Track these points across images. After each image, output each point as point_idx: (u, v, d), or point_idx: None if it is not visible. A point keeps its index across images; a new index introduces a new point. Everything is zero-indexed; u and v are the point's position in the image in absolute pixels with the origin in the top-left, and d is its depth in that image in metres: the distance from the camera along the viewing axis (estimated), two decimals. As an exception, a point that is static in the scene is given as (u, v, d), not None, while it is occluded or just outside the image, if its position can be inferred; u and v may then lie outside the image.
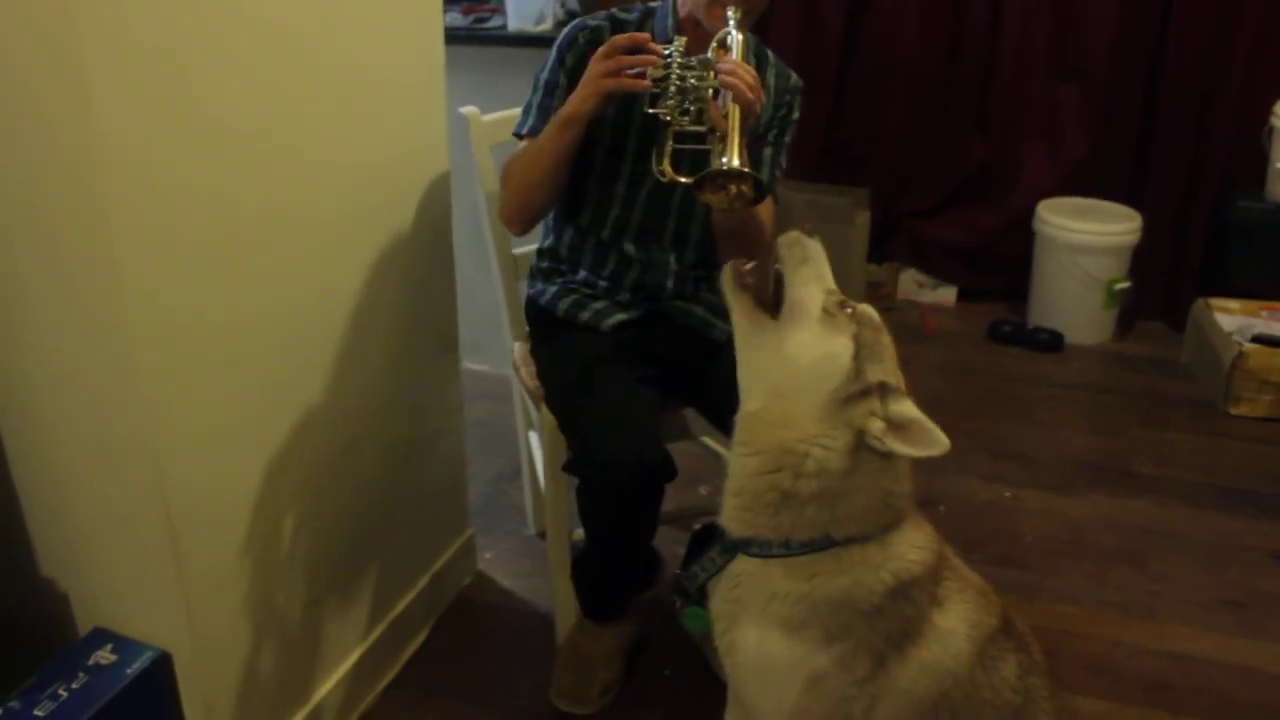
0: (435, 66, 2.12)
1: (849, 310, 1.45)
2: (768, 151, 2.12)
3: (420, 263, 2.15)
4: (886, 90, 4.01)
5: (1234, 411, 3.31)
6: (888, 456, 1.41)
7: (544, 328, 2.18)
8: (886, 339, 1.46)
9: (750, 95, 1.73)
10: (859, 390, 1.40)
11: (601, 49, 1.83)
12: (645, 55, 1.80)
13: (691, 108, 1.79)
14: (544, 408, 2.08)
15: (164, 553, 1.60)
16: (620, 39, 1.82)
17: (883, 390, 1.40)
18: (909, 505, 1.49)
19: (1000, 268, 4.08)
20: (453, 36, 2.82)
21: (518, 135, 2.07)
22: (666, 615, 2.34)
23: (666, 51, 1.81)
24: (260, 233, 1.69)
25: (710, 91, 1.77)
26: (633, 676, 2.22)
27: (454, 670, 2.27)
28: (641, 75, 1.80)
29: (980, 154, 4.03)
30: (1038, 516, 2.81)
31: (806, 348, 1.44)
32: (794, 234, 1.53)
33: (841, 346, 1.42)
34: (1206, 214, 3.77)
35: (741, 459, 1.48)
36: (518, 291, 2.37)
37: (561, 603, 2.25)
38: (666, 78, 1.79)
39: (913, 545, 1.47)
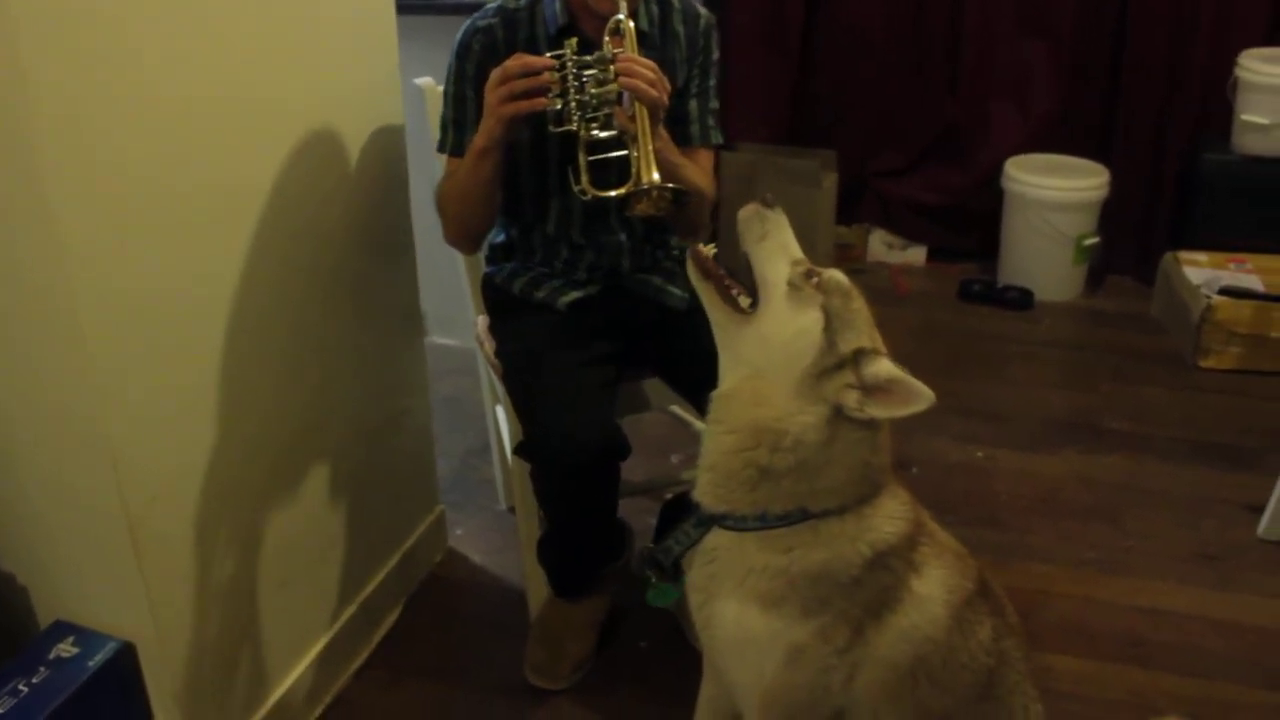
0: (388, 37, 2.08)
1: (815, 280, 1.42)
2: (693, 104, 2.05)
3: (378, 238, 2.12)
4: (853, 51, 3.97)
5: (1203, 364, 3.31)
6: (871, 424, 1.39)
7: (501, 306, 2.14)
8: (857, 304, 1.43)
9: (654, 93, 1.71)
10: (834, 363, 1.37)
11: (493, 77, 1.78)
12: (537, 76, 1.75)
13: (598, 115, 1.76)
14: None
15: (122, 541, 1.57)
16: (511, 66, 1.75)
17: (857, 357, 1.38)
18: (886, 477, 1.47)
19: (970, 226, 4.07)
20: (407, 6, 2.77)
21: (440, 152, 2.03)
22: (640, 588, 2.33)
23: (558, 58, 1.76)
24: (213, 211, 1.65)
25: (615, 94, 1.73)
26: (606, 650, 2.21)
27: (427, 649, 2.25)
28: (541, 92, 1.75)
29: (948, 112, 4.01)
30: (1010, 476, 2.81)
31: (778, 327, 1.41)
32: (751, 208, 1.48)
33: (811, 321, 1.39)
34: (1174, 168, 3.76)
35: (717, 437, 1.45)
36: (481, 266, 2.34)
37: (532, 578, 2.23)
38: (565, 92, 1.75)
39: (889, 516, 1.45)
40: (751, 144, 3.98)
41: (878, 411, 1.36)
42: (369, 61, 2.03)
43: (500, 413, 2.39)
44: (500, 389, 2.14)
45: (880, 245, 4.16)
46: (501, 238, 2.15)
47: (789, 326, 1.40)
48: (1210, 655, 2.20)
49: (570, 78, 1.74)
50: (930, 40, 3.93)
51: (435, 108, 2.19)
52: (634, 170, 1.69)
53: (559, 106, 1.76)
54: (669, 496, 2.46)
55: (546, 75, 1.74)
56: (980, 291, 3.84)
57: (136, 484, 1.56)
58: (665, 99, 1.73)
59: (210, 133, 1.62)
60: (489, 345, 2.17)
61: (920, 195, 4.10)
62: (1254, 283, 3.32)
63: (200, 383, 1.68)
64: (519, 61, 1.76)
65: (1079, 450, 2.92)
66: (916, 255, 4.15)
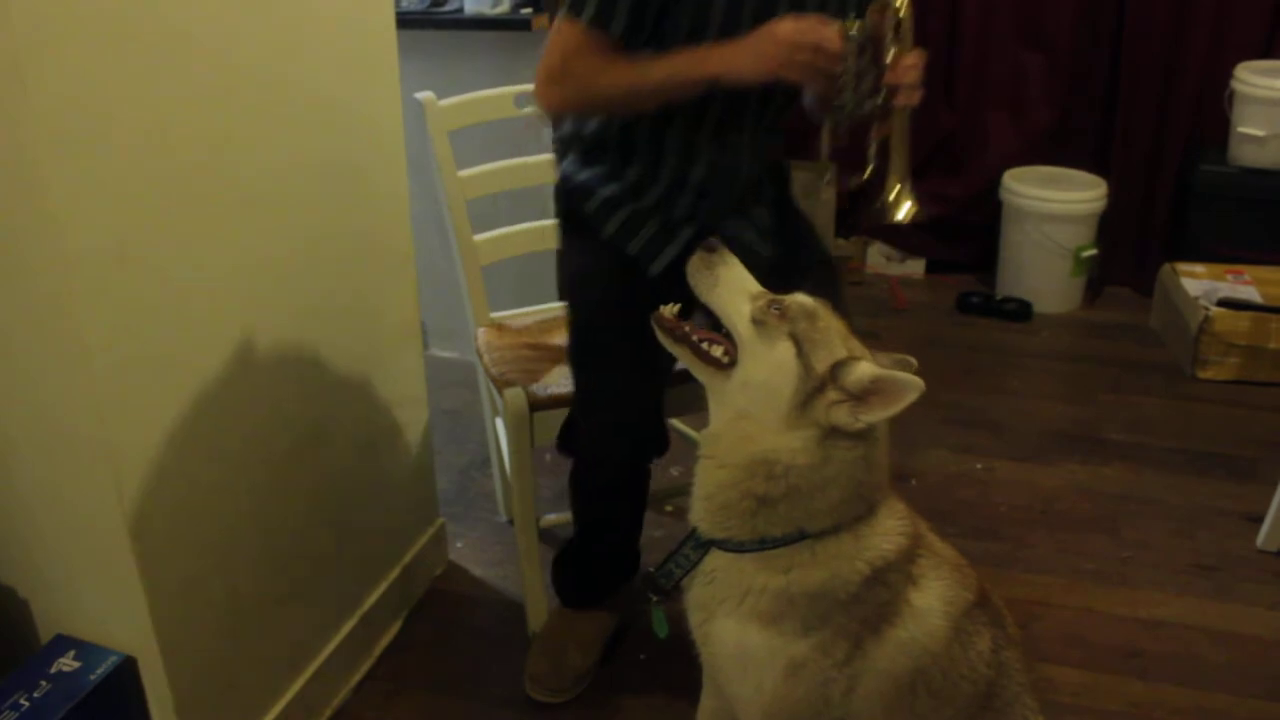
0: (388, 50, 2.08)
1: (777, 310, 1.41)
2: None
3: (377, 252, 2.12)
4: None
5: (1202, 375, 3.32)
6: (868, 437, 1.39)
7: (581, 233, 1.94)
8: (824, 321, 1.42)
9: (914, 99, 1.69)
10: (815, 386, 1.37)
11: (791, 33, 1.61)
12: (832, 69, 1.63)
13: (862, 108, 1.69)
14: (508, 393, 2.06)
15: (123, 555, 1.57)
16: (831, 47, 1.60)
17: (835, 371, 1.37)
18: (883, 494, 1.47)
19: (968, 238, 4.08)
20: (408, 20, 2.79)
21: (575, 17, 1.74)
22: (642, 601, 2.33)
23: (847, 39, 1.62)
24: (215, 224, 1.66)
25: (886, 97, 1.68)
26: (606, 661, 2.21)
27: (427, 662, 2.25)
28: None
29: (946, 124, 4.02)
30: (1009, 487, 2.81)
31: (755, 368, 1.41)
32: (695, 259, 1.48)
33: (784, 352, 1.39)
34: (1171, 179, 3.78)
35: (710, 471, 1.45)
36: (481, 278, 2.35)
37: (531, 591, 2.24)
38: (843, 77, 1.64)
39: (886, 533, 1.45)
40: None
41: (873, 416, 1.35)
42: (369, 75, 2.04)
43: (499, 425, 2.40)
44: (499, 401, 2.14)
45: (879, 257, 4.17)
46: (592, 127, 1.92)
47: (765, 364, 1.40)
48: (1209, 666, 2.20)
49: (850, 63, 1.64)
50: (928, 50, 3.94)
51: (436, 122, 2.21)
52: (891, 177, 1.67)
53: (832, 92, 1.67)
54: (669, 509, 2.46)
55: (839, 66, 1.63)
56: (979, 303, 3.84)
57: (137, 499, 1.56)
58: (917, 101, 1.70)
59: (211, 145, 1.63)
60: (489, 356, 2.16)
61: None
62: (1251, 294, 3.33)
63: (201, 396, 1.68)
64: (835, 49, 1.61)
65: (1077, 461, 2.92)
66: (915, 267, 4.15)
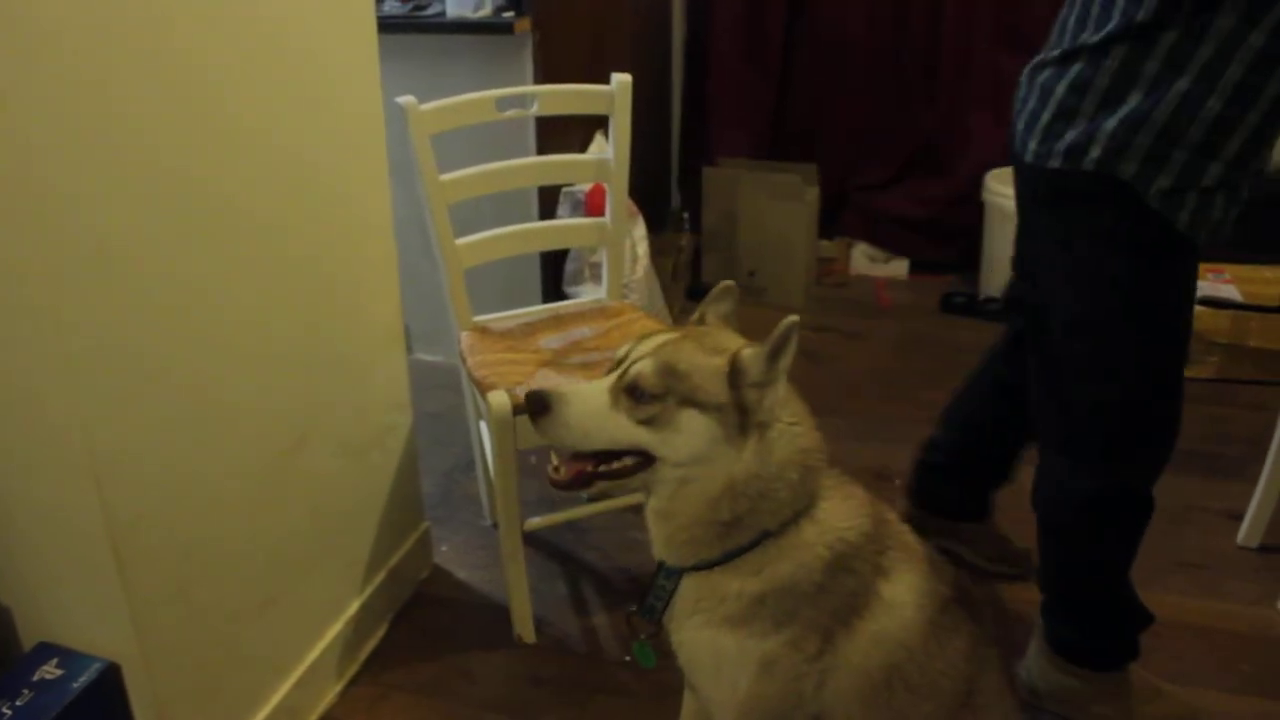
0: (369, 54, 2.08)
1: (637, 394, 1.36)
2: None
3: (360, 257, 2.12)
4: (834, 65, 4.01)
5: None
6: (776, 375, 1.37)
7: (1149, 246, 1.68)
8: (684, 361, 1.37)
9: None
10: (735, 412, 1.36)
11: None
12: None
13: None
14: (491, 397, 2.06)
15: (107, 561, 1.57)
16: None
17: (736, 379, 1.36)
18: (828, 474, 1.47)
19: (951, 239, 4.10)
20: (390, 24, 2.79)
21: None
22: (623, 602, 2.34)
23: None
24: (198, 230, 1.65)
25: None
26: (591, 665, 2.21)
27: (413, 665, 2.25)
28: None
29: (929, 125, 4.04)
30: (993, 486, 2.81)
31: (676, 452, 1.37)
32: (538, 425, 1.39)
33: (690, 421, 1.36)
34: (1152, 179, 3.79)
35: (670, 521, 1.44)
36: (463, 281, 2.35)
37: (516, 594, 2.24)
38: None
39: (844, 516, 1.46)
40: (733, 159, 4.01)
41: (782, 366, 1.35)
42: (351, 79, 2.04)
43: (483, 428, 2.40)
44: (483, 405, 2.13)
45: (863, 259, 4.18)
46: (1167, 97, 1.62)
47: (684, 443, 1.37)
48: (1192, 662, 2.21)
49: None
50: (909, 53, 3.96)
51: (419, 126, 2.21)
52: None
53: None
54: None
55: None
56: (962, 304, 3.86)
57: (120, 503, 1.56)
58: None
59: (192, 150, 1.62)
60: (473, 360, 2.15)
61: (902, 208, 4.13)
62: (1232, 293, 3.35)
63: (184, 401, 1.68)
64: None
65: (1061, 460, 2.92)
66: (899, 268, 4.17)
